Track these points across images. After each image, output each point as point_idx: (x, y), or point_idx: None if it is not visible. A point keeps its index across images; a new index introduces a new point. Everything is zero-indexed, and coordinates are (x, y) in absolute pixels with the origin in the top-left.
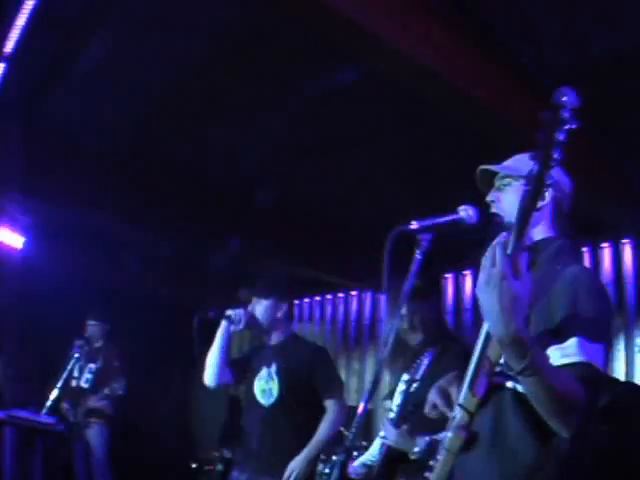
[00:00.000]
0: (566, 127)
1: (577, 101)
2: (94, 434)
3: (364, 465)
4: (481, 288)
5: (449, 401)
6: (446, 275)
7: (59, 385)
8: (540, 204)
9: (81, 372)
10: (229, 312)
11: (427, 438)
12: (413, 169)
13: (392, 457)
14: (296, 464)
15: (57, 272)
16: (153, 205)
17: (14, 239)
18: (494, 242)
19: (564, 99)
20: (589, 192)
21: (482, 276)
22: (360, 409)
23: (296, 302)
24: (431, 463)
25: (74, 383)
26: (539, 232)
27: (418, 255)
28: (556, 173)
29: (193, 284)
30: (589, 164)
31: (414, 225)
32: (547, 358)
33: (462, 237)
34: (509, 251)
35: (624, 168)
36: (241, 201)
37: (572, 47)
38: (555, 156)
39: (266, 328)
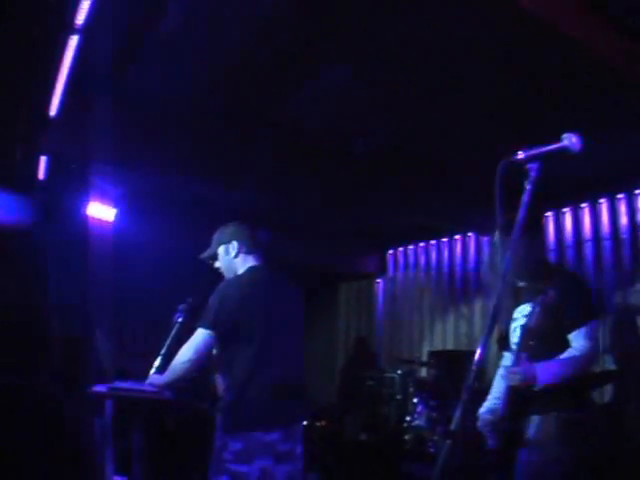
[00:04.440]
0: None
1: None
2: None
3: (491, 411)
4: None
5: None
6: (546, 214)
7: (162, 352)
8: None
9: None
10: None
11: None
12: (511, 108)
13: (517, 397)
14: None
15: (151, 242)
16: (243, 167)
17: (105, 212)
18: None
19: None
20: None
21: None
22: (477, 355)
23: (400, 249)
24: None
25: None
26: None
27: (528, 186)
28: None
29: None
30: None
31: (521, 155)
32: None
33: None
34: None
35: None
36: (338, 151)
37: None
38: None
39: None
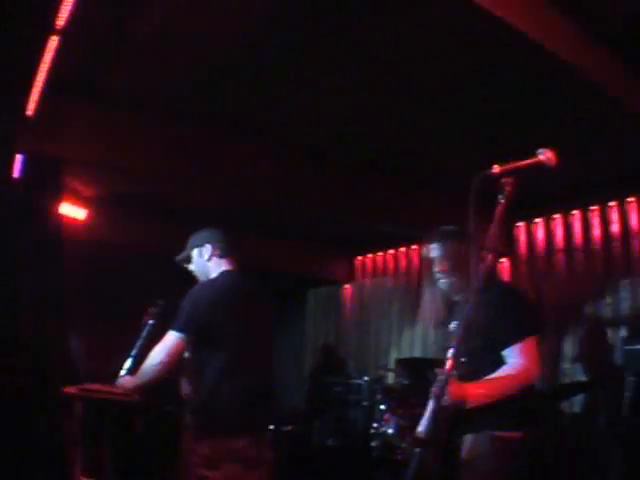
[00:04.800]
0: None
1: None
2: None
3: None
4: None
5: None
6: (518, 224)
7: (133, 354)
8: None
9: None
10: None
11: None
12: (488, 120)
13: (450, 417)
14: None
15: (124, 244)
16: (221, 171)
17: (77, 212)
18: None
19: None
20: None
21: None
22: (448, 366)
23: (369, 256)
24: None
25: None
26: None
27: (502, 200)
28: None
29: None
30: None
31: (496, 169)
32: None
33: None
34: None
35: None
36: (320, 158)
37: None
38: None
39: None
